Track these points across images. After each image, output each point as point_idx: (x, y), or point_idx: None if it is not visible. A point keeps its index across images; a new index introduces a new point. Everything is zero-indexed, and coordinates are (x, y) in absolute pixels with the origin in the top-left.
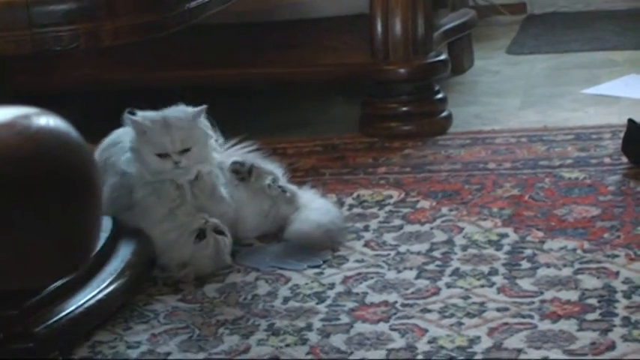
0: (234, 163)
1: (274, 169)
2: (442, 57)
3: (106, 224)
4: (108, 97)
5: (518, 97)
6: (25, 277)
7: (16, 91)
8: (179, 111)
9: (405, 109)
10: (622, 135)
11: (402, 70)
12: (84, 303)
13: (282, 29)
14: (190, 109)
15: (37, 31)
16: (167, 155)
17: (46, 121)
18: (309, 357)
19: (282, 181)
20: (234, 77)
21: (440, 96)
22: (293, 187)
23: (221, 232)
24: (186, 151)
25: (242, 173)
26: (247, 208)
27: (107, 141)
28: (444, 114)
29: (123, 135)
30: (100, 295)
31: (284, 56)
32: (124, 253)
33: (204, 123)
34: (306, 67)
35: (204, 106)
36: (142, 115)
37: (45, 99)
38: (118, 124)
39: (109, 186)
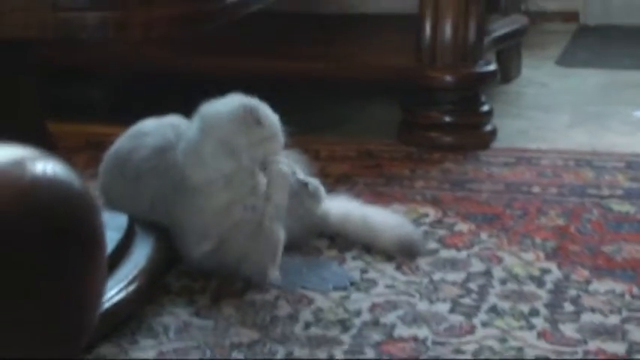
0: None
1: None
2: (492, 66)
3: (121, 223)
4: (139, 79)
5: (567, 114)
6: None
7: (44, 65)
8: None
9: (447, 119)
10: None
11: (448, 78)
12: None
13: (326, 22)
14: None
15: (62, 15)
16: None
17: (43, 168)
18: None
19: (302, 173)
20: (266, 70)
21: (486, 108)
22: (314, 180)
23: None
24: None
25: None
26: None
27: (135, 129)
28: (489, 127)
29: (156, 126)
30: (107, 305)
31: (323, 51)
32: (137, 258)
33: None
34: (345, 65)
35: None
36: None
37: (74, 76)
38: (147, 107)
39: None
